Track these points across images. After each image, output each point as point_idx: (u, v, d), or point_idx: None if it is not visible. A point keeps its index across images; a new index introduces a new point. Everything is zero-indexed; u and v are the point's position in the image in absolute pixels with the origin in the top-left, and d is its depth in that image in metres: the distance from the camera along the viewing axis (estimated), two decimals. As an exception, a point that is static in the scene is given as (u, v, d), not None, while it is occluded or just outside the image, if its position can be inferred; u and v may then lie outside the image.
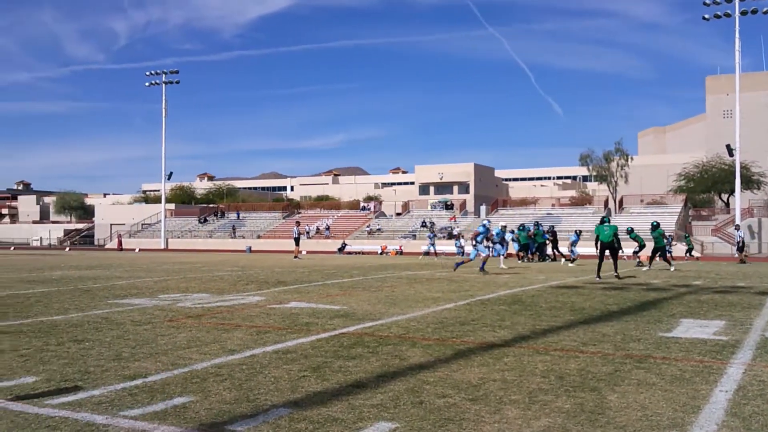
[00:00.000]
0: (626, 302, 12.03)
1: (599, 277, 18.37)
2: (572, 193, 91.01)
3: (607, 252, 18.91)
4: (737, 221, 42.81)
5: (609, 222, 20.09)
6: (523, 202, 69.11)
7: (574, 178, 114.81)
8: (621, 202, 62.52)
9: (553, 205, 66.47)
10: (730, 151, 42.08)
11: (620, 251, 19.44)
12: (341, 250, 51.00)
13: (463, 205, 71.09)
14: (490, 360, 6.45)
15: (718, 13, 38.93)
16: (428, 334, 8.11)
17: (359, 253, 49.12)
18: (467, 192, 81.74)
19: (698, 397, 5.02)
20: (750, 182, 58.16)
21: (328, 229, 59.55)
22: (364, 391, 5.17)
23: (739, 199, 44.07)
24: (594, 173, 70.90)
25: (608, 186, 69.20)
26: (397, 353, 6.78)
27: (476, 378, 5.65)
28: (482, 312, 10.40)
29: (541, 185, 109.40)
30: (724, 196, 62.71)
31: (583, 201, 68.94)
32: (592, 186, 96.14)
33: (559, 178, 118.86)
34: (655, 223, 24.55)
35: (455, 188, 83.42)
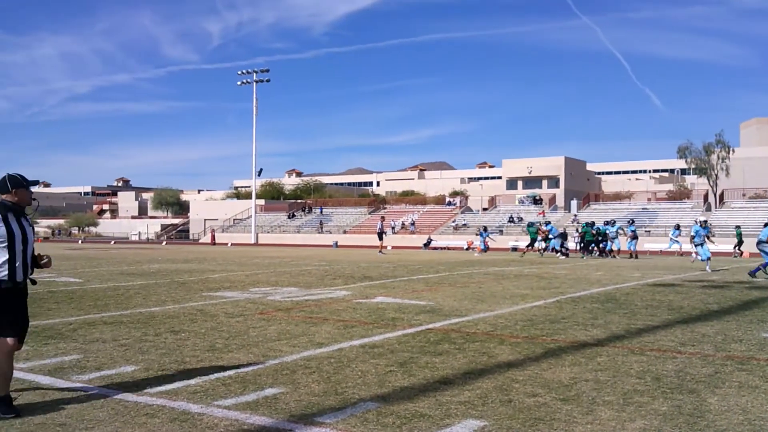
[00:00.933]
0: (727, 301, 11.43)
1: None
2: (669, 186, 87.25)
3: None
4: None
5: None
6: (617, 197, 66.92)
7: (672, 171, 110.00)
8: (722, 196, 59.48)
9: (648, 199, 64.01)
10: None
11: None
12: (427, 245, 50.96)
13: (552, 199, 69.56)
14: (582, 359, 6.26)
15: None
16: (517, 331, 7.97)
17: (445, 248, 48.93)
18: (557, 186, 79.88)
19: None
20: None
21: (413, 224, 59.65)
22: (451, 388, 5.13)
23: None
24: (693, 166, 67.71)
25: (708, 179, 65.98)
26: (485, 350, 6.70)
27: (567, 377, 5.50)
28: (573, 310, 10.13)
29: (636, 179, 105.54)
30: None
31: (681, 195, 66.10)
32: (690, 179, 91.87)
33: (655, 171, 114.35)
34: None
35: (545, 182, 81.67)
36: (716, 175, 65.25)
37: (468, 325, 8.50)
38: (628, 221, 32.63)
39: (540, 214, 58.54)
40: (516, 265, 23.92)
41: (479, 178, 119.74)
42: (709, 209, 58.25)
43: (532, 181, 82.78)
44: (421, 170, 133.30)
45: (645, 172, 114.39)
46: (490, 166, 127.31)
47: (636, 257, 30.59)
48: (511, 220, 56.62)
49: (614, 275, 18.15)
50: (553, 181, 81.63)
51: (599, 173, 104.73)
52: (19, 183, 4.74)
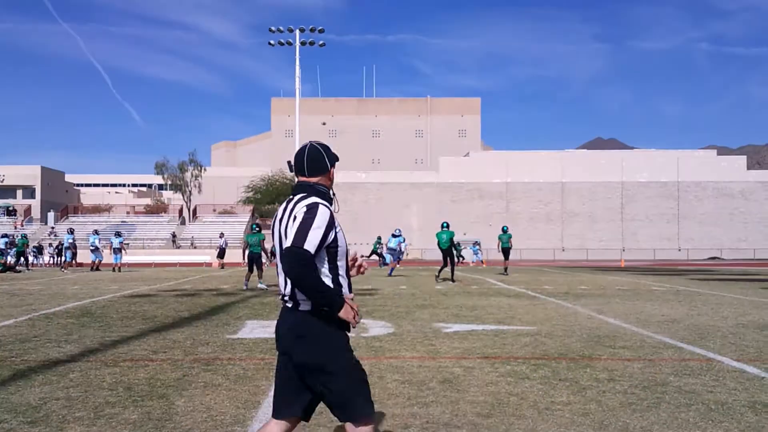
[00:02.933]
0: (197, 308, 12.39)
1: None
2: (148, 201, 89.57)
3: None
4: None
5: (447, 228, 21.60)
6: (97, 209, 65.70)
7: (150, 186, 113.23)
8: (195, 211, 63.92)
9: (128, 212, 64.70)
10: (291, 167, 46.33)
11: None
12: None
13: (28, 210, 64.44)
14: (53, 378, 6.02)
15: (282, 40, 42.76)
16: (-24, 357, 7.15)
17: None
18: (33, 197, 73.93)
19: (259, 392, 5.49)
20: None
21: None
22: None
23: (300, 211, 48.97)
24: (169, 182, 70.94)
25: (183, 195, 70.04)
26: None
27: (37, 398, 5.23)
28: (47, 327, 9.58)
29: (116, 192, 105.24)
30: (287, 207, 68.95)
31: (158, 209, 68.53)
32: (167, 194, 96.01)
33: (134, 185, 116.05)
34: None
35: (19, 192, 74.73)
36: (190, 191, 69.71)
37: None
38: (115, 233, 32.31)
39: (16, 225, 53.37)
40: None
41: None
42: (183, 223, 61.95)
43: (5, 191, 74.69)
44: None
45: (125, 185, 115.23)
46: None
47: (120, 270, 30.32)
48: (-28, 232, 49.87)
49: (92, 288, 17.77)
50: (29, 192, 75.30)
51: (79, 185, 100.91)
52: (335, 158, 3.15)
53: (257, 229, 19.47)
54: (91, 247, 30.85)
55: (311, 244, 2.76)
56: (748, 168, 62.45)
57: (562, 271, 29.64)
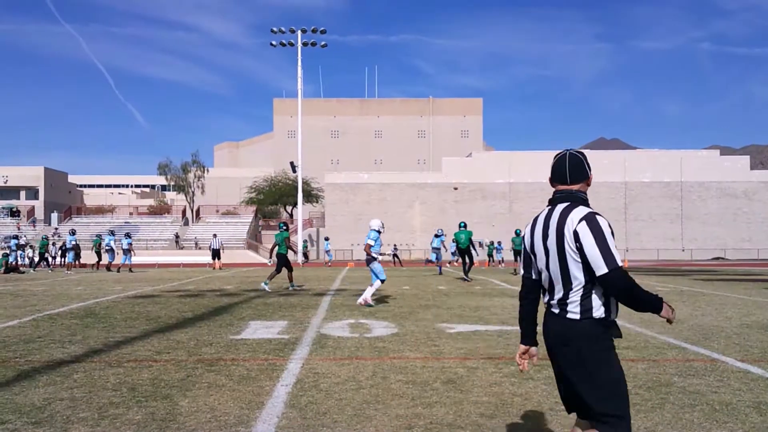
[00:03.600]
0: (201, 309, 12.40)
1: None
2: (151, 201, 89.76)
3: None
4: (299, 231, 47.53)
5: (465, 227, 21.72)
6: (100, 210, 65.89)
7: (153, 187, 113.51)
8: (198, 212, 63.99)
9: (131, 213, 64.80)
10: (294, 167, 46.55)
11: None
12: None
13: (32, 211, 64.67)
14: (57, 378, 6.03)
15: (284, 41, 42.81)
16: (-20, 357, 7.17)
17: None
18: (36, 198, 74.19)
19: (262, 393, 5.50)
20: (310, 196, 65.30)
21: None
22: None
23: (301, 211, 49.03)
24: (172, 183, 71.10)
25: (186, 196, 70.15)
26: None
27: (41, 399, 5.24)
28: (51, 328, 9.60)
29: (119, 193, 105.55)
30: (289, 208, 69.09)
31: (161, 210, 68.64)
32: (170, 195, 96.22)
33: (137, 186, 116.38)
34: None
35: (23, 193, 75.04)
36: (193, 192, 69.78)
37: None
38: (125, 234, 32.41)
39: (19, 226, 53.53)
40: (-19, 284, 21.27)
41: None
42: (187, 224, 61.95)
43: (8, 192, 75.00)
44: None
45: (128, 186, 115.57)
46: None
47: (130, 270, 30.59)
48: (-24, 233, 50.03)
49: (95, 289, 17.80)
50: (32, 193, 75.62)
51: (82, 186, 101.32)
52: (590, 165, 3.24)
53: (284, 227, 18.66)
54: (106, 248, 31.04)
55: (618, 257, 2.88)
56: (752, 168, 62.32)
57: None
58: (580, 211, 2.98)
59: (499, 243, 41.89)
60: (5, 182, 74.39)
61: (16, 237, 35.04)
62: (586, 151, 72.65)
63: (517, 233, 27.54)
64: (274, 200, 68.56)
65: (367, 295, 12.82)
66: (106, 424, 4.57)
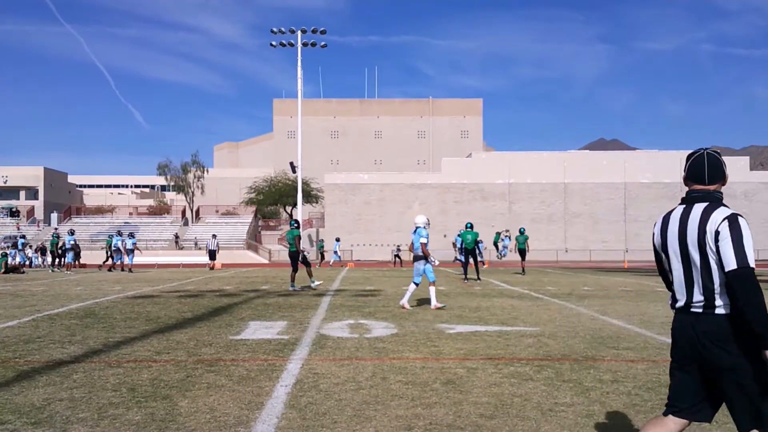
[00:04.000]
0: (200, 309, 12.40)
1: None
2: (150, 202, 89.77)
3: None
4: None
5: (471, 228, 21.80)
6: (99, 210, 65.92)
7: (153, 187, 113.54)
8: (198, 212, 64.01)
9: (131, 213, 64.81)
10: (293, 168, 46.55)
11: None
12: None
13: (31, 211, 64.69)
14: (57, 378, 6.03)
15: (284, 42, 42.82)
16: (-20, 358, 7.16)
17: None
18: (36, 198, 74.23)
19: (262, 393, 5.49)
20: (310, 196, 65.29)
21: None
22: None
23: (301, 212, 49.05)
24: (172, 183, 71.14)
25: (186, 196, 70.17)
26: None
27: (41, 399, 5.24)
28: (50, 328, 9.60)
29: (119, 193, 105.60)
30: (288, 208, 69.13)
31: (161, 210, 68.65)
32: (170, 195, 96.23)
33: (137, 186, 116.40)
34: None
35: (22, 193, 75.07)
36: (193, 192, 69.77)
37: None
38: (128, 234, 32.42)
39: (18, 226, 53.55)
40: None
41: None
42: (186, 224, 61.97)
43: (8, 192, 75.02)
44: None
45: (127, 186, 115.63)
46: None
47: (131, 271, 30.64)
48: (-25, 233, 50.01)
49: (95, 290, 17.80)
50: (32, 193, 75.68)
51: (81, 186, 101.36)
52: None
53: (295, 224, 18.36)
54: (113, 248, 31.07)
55: (752, 259, 2.84)
56: (752, 169, 62.35)
57: (565, 272, 29.62)
58: (723, 212, 2.94)
59: (507, 232, 41.15)
60: (5, 182, 74.41)
61: (23, 236, 35.06)
62: (585, 151, 72.68)
63: (521, 231, 27.41)
64: (273, 200, 68.57)
65: (433, 299, 12.44)
66: (106, 425, 4.56)
